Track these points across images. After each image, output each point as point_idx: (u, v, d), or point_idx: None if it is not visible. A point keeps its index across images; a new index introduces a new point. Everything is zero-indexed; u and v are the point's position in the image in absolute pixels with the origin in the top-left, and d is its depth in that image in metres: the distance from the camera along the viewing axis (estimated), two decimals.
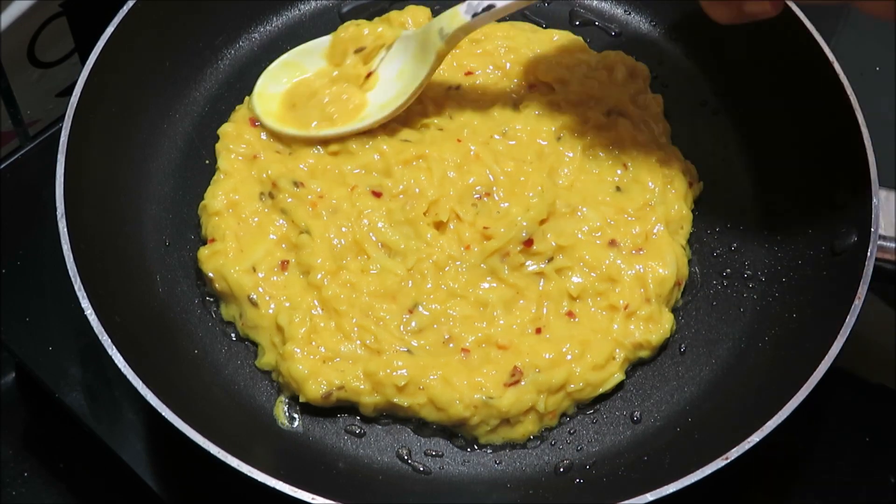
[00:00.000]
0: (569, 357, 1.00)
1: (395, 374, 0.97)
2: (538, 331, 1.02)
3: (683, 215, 1.10)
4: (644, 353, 1.03)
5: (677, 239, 1.08)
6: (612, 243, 1.05)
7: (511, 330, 1.02)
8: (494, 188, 1.07)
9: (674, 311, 1.06)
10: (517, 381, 0.98)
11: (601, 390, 1.01)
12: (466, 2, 1.04)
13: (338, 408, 1.00)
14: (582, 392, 1.00)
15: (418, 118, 1.13)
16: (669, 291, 1.05)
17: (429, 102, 1.14)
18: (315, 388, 0.97)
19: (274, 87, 1.15)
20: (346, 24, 1.20)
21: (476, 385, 0.97)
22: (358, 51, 1.13)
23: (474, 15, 1.04)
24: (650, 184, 1.09)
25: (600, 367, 1.00)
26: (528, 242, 1.03)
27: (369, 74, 1.13)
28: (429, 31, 1.08)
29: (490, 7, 1.03)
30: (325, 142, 1.10)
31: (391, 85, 1.11)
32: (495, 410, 0.97)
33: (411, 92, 1.09)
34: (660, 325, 1.03)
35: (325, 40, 1.16)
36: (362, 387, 0.98)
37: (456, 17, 1.05)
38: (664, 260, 1.05)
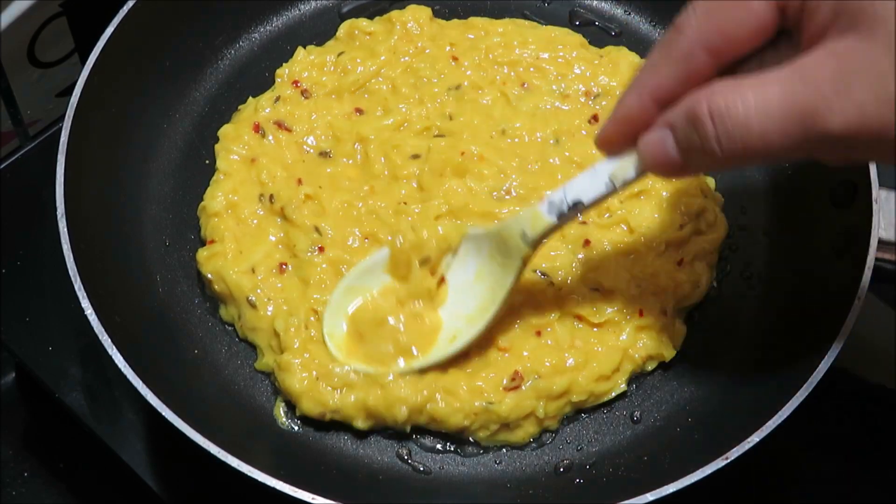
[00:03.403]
0: (570, 363, 0.99)
1: (394, 409, 0.96)
2: (538, 333, 1.02)
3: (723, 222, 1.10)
4: (653, 365, 1.03)
5: (714, 254, 1.08)
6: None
7: (512, 331, 1.02)
8: (512, 185, 1.08)
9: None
10: (517, 386, 0.98)
11: (604, 400, 1.01)
12: (546, 200, 0.91)
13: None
14: (584, 402, 1.00)
15: (418, 120, 1.13)
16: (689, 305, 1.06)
17: (428, 101, 1.14)
18: (310, 407, 0.97)
19: (341, 320, 1.01)
20: (345, 22, 1.20)
21: (476, 391, 0.97)
22: (423, 262, 0.99)
23: (560, 216, 0.91)
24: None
25: (605, 377, 1.00)
26: None
27: (439, 284, 1.01)
28: (507, 233, 0.95)
29: (578, 204, 0.89)
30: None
31: (471, 290, 0.99)
32: (494, 416, 0.97)
33: (501, 299, 0.97)
34: (673, 339, 1.03)
35: (383, 254, 1.01)
36: (359, 410, 0.98)
37: (539, 219, 0.92)
38: (699, 281, 1.05)
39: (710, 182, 1.12)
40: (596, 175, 0.87)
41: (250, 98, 1.17)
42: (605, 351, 1.01)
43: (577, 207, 0.89)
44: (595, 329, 1.02)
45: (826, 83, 0.69)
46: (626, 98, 0.82)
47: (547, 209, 0.91)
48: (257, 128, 1.13)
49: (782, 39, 0.77)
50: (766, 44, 0.78)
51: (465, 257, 1.00)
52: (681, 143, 0.76)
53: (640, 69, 0.82)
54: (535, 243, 0.94)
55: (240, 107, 1.17)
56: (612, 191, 0.87)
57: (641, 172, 0.84)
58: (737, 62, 0.78)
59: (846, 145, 0.70)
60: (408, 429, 0.98)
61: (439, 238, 1.00)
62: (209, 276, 1.04)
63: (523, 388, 0.98)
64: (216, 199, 1.08)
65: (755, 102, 0.71)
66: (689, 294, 1.04)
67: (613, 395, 1.01)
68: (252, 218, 1.08)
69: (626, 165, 0.85)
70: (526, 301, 1.02)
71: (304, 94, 1.15)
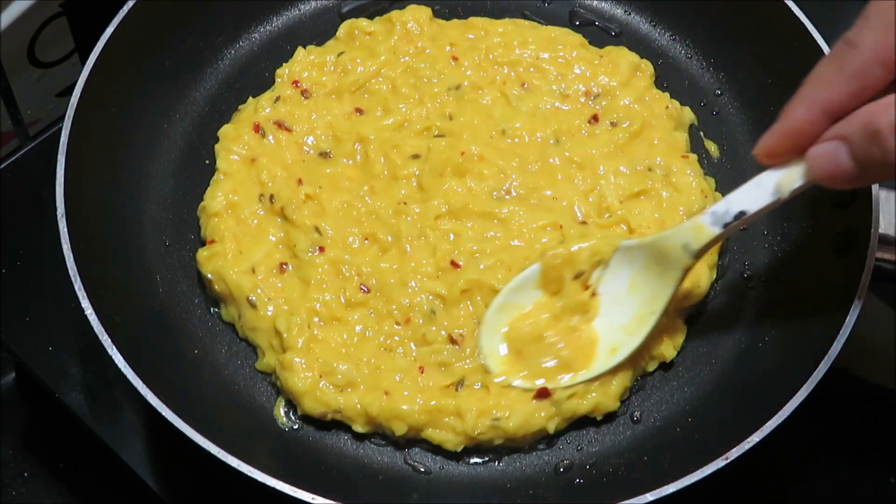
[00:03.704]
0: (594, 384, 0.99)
1: (393, 423, 0.96)
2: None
3: None
4: (653, 365, 1.03)
5: (714, 254, 1.08)
6: None
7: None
8: (512, 185, 1.08)
9: None
10: (547, 395, 0.98)
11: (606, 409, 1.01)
12: (709, 212, 0.92)
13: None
14: (593, 413, 1.00)
15: (418, 120, 1.13)
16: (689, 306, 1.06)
17: (429, 101, 1.14)
18: (312, 406, 0.97)
19: (497, 339, 1.01)
20: (345, 22, 1.20)
21: (487, 410, 0.97)
22: (576, 276, 0.99)
23: (724, 226, 0.92)
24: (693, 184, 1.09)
25: (608, 381, 1.00)
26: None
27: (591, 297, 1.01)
28: (665, 245, 0.96)
29: (742, 214, 0.90)
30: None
31: (624, 301, 0.99)
32: (501, 431, 0.97)
33: (661, 308, 0.97)
34: (673, 339, 1.03)
35: (534, 270, 1.01)
36: (360, 415, 0.98)
37: (702, 231, 0.93)
38: (699, 282, 1.05)
39: (710, 183, 1.13)
40: (761, 185, 0.89)
41: (250, 98, 1.17)
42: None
43: (741, 218, 0.90)
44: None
45: None
46: (794, 111, 0.83)
47: (710, 221, 0.92)
48: (257, 128, 1.13)
49: None
50: None
51: (617, 269, 0.99)
52: (857, 156, 0.78)
53: (806, 82, 0.82)
54: (699, 254, 0.95)
55: (240, 107, 1.17)
56: (779, 200, 0.88)
57: (808, 182, 0.85)
58: None
59: None
60: (404, 439, 0.98)
61: (591, 251, 1.00)
62: (209, 276, 1.04)
63: (553, 398, 0.98)
64: (216, 199, 1.08)
65: None
66: (689, 294, 1.04)
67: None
68: (252, 218, 1.08)
69: (792, 175, 0.86)
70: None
71: (304, 94, 1.15)
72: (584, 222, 1.07)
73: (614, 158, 1.11)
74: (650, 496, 0.86)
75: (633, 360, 1.01)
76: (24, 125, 1.24)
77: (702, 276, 1.05)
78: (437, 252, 1.03)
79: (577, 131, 1.13)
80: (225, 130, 1.13)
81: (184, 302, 1.06)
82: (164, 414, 0.88)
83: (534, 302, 1.01)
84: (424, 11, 1.21)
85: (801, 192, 0.87)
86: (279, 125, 1.13)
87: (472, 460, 0.98)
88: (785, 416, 0.90)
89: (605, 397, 0.98)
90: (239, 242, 1.06)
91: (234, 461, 0.86)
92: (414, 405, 0.96)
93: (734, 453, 0.88)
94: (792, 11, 1.12)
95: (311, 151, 1.12)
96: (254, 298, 1.02)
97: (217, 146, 1.13)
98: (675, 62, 1.24)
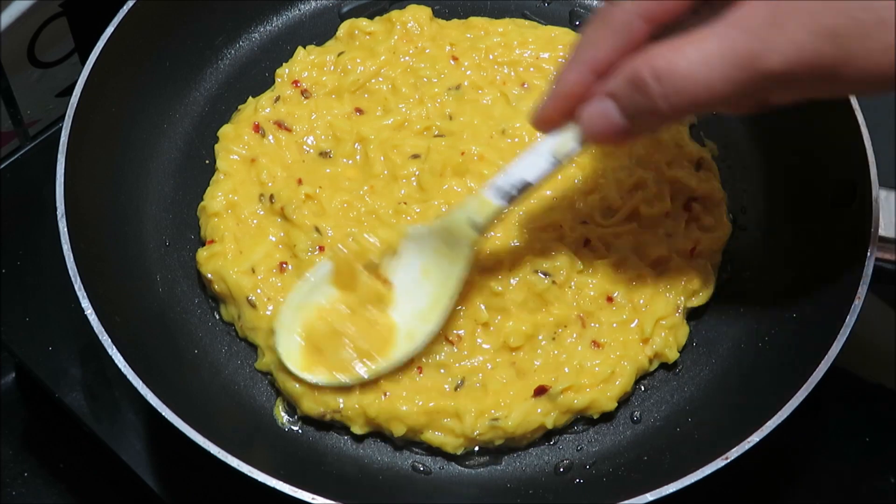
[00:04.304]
0: (595, 370, 0.99)
1: (392, 424, 0.96)
2: (553, 338, 1.02)
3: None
4: (655, 366, 1.03)
5: (718, 254, 1.09)
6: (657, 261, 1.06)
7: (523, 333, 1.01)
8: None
9: None
10: (544, 391, 0.98)
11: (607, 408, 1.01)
12: (491, 186, 0.92)
13: None
14: (590, 410, 1.00)
15: (418, 120, 1.13)
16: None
17: (429, 101, 1.14)
18: (311, 407, 0.97)
19: (294, 339, 0.99)
20: (345, 22, 1.20)
21: (485, 410, 0.97)
22: (368, 267, 0.99)
23: (510, 199, 0.92)
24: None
25: (609, 380, 1.00)
26: None
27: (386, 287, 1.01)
28: (452, 225, 0.96)
29: (524, 185, 0.90)
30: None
31: (419, 288, 0.99)
32: (500, 431, 0.97)
33: (453, 290, 0.97)
34: (677, 339, 1.03)
35: (326, 268, 1.00)
36: (359, 416, 0.98)
37: (487, 205, 0.93)
38: (707, 279, 1.06)
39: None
40: (538, 154, 0.90)
41: (250, 98, 1.17)
42: (617, 358, 1.00)
43: (524, 188, 0.91)
44: (615, 325, 1.02)
45: (762, 27, 0.73)
46: (566, 75, 0.85)
47: (494, 194, 0.93)
48: (257, 128, 1.13)
49: (704, 7, 0.80)
50: (690, 11, 0.81)
51: (408, 257, 1.00)
52: (626, 109, 0.80)
53: (575, 46, 0.85)
54: (484, 229, 0.95)
55: (240, 107, 1.17)
56: (557, 166, 0.89)
57: (583, 144, 0.87)
58: (662, 32, 0.81)
59: (789, 82, 0.74)
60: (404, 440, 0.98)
61: (379, 241, 1.00)
62: (209, 276, 1.04)
63: (549, 393, 0.97)
64: (216, 199, 1.08)
65: (696, 56, 0.75)
66: (698, 289, 1.05)
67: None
68: (252, 218, 1.08)
69: (566, 140, 0.88)
70: (533, 304, 1.02)
71: (304, 94, 1.15)
72: (584, 222, 1.07)
73: (614, 158, 1.11)
74: (650, 496, 0.86)
75: (636, 363, 1.01)
76: (24, 125, 1.24)
77: (709, 275, 1.06)
78: None
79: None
80: (225, 130, 1.13)
81: (184, 302, 1.06)
82: (164, 414, 0.88)
83: (330, 298, 1.00)
84: (424, 11, 1.21)
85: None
86: (279, 125, 1.13)
87: (472, 460, 0.99)
88: (785, 416, 0.89)
89: (602, 395, 0.98)
90: (239, 242, 1.06)
91: (234, 461, 0.86)
92: (413, 406, 0.96)
93: (734, 453, 0.88)
94: None
95: (311, 151, 1.12)
96: (254, 298, 1.02)
97: (217, 146, 1.13)
98: None
